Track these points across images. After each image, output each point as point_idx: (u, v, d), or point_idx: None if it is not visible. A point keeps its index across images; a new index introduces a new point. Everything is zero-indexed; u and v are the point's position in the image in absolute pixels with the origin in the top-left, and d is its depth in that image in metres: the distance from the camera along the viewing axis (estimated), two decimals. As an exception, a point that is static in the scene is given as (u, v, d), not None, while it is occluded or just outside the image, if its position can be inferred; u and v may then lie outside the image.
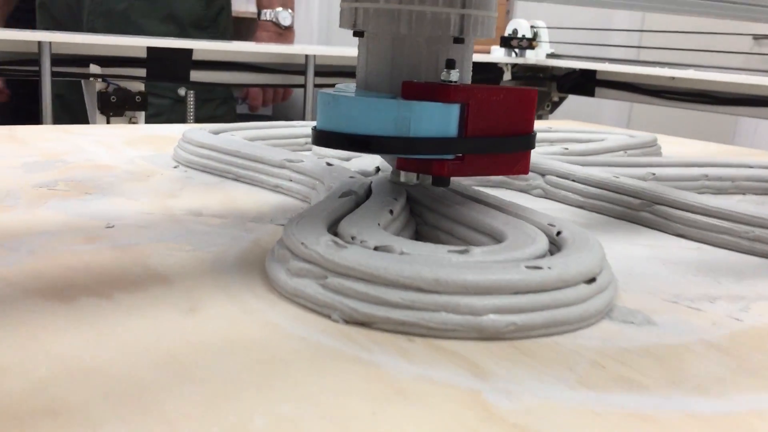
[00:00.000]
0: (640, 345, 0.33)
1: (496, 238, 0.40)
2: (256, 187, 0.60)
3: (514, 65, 1.42)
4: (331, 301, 0.34)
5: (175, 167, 0.66)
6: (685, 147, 1.00)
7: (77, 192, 0.55)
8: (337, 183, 0.50)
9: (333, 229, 0.40)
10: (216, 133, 0.74)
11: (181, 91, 1.30)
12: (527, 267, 0.34)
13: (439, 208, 0.45)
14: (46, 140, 0.77)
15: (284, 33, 1.46)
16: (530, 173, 0.64)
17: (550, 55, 1.45)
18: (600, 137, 0.89)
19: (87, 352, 0.29)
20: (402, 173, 0.46)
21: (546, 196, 0.63)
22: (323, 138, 0.42)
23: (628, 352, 0.32)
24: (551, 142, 0.88)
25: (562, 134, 0.89)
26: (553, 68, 1.44)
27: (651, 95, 1.26)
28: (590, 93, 1.37)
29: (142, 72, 1.13)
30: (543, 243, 0.38)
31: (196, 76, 1.17)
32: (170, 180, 0.61)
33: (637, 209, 0.56)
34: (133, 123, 1.12)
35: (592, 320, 0.35)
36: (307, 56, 1.19)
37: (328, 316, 0.34)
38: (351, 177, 0.52)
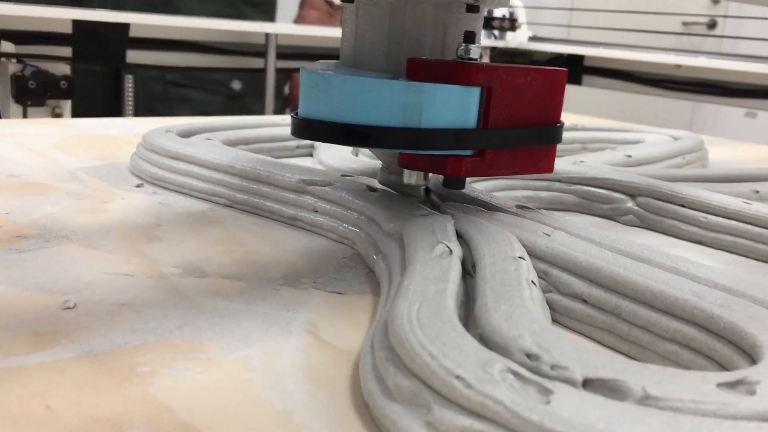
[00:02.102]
0: None
1: (746, 350, 0.25)
2: (263, 218, 0.43)
3: (493, 48, 1.27)
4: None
5: (138, 186, 0.48)
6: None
7: (1, 235, 0.37)
8: (402, 223, 0.34)
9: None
10: (186, 135, 0.56)
11: (236, 85, 1.08)
12: None
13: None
14: (-51, 143, 0.58)
15: (335, 13, 1.23)
16: (616, 194, 0.49)
17: (532, 38, 1.31)
18: (635, 137, 0.75)
19: None
20: (407, 173, 0.36)
21: (641, 224, 0.48)
22: (307, 128, 0.34)
23: None
24: (583, 143, 0.74)
25: (594, 134, 0.75)
26: (534, 53, 1.30)
27: (650, 85, 1.13)
28: (577, 81, 1.24)
29: (67, 51, 0.92)
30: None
31: (133, 56, 0.97)
32: (138, 209, 0.43)
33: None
34: (57, 115, 0.91)
35: None
36: (267, 35, 1.01)
37: None
38: (422, 213, 0.36)
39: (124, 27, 0.95)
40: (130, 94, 0.96)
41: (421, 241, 0.31)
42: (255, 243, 0.39)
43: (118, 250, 0.36)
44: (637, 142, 0.74)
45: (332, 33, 0.97)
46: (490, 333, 0.23)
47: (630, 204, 0.48)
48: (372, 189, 0.41)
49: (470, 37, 0.34)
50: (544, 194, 0.50)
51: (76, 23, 0.92)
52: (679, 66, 1.09)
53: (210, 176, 0.46)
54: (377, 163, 0.52)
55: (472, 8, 0.38)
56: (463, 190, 0.42)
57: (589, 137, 0.74)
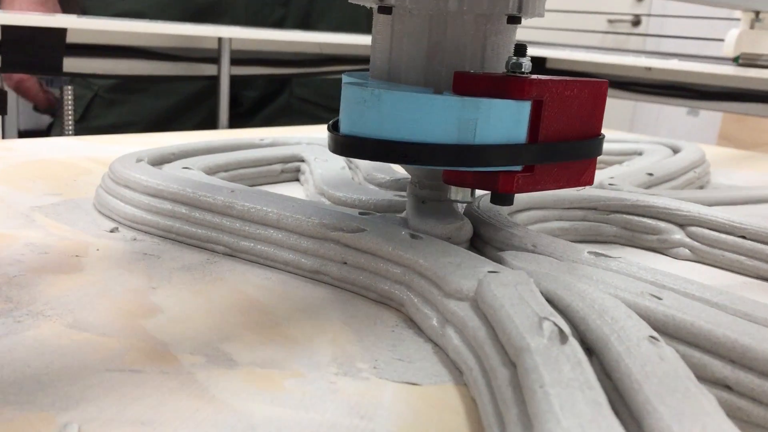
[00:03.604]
0: None
1: None
2: (275, 270, 0.36)
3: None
4: None
5: (113, 231, 0.40)
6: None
7: (-40, 314, 0.29)
8: (471, 283, 0.28)
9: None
10: (157, 163, 0.48)
11: (252, 93, 0.99)
12: None
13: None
14: None
15: (48, 1, 1.07)
16: (664, 224, 0.44)
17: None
18: (634, 147, 0.70)
19: None
20: (453, 190, 0.35)
21: (696, 258, 0.43)
22: (352, 146, 0.33)
23: None
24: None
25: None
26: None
27: (621, 89, 1.09)
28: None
29: (-6, 60, 0.82)
30: None
31: (72, 65, 0.87)
32: (121, 264, 0.35)
33: None
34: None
35: None
36: (220, 40, 0.93)
37: None
38: (491, 270, 0.30)
39: (60, 32, 0.85)
40: (69, 106, 0.85)
41: (516, 314, 0.25)
42: (278, 308, 0.31)
43: (113, 329, 0.28)
44: (636, 153, 0.70)
45: (191, 31, 0.88)
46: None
47: (679, 235, 0.43)
48: (414, 235, 0.34)
49: (521, 50, 0.33)
50: (580, 225, 0.45)
51: (5, 29, 0.82)
52: (649, 69, 1.06)
53: (203, 219, 0.38)
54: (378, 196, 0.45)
55: (514, 19, 0.36)
56: (510, 231, 0.36)
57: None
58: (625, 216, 0.44)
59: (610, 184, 0.50)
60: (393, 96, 0.31)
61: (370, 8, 0.37)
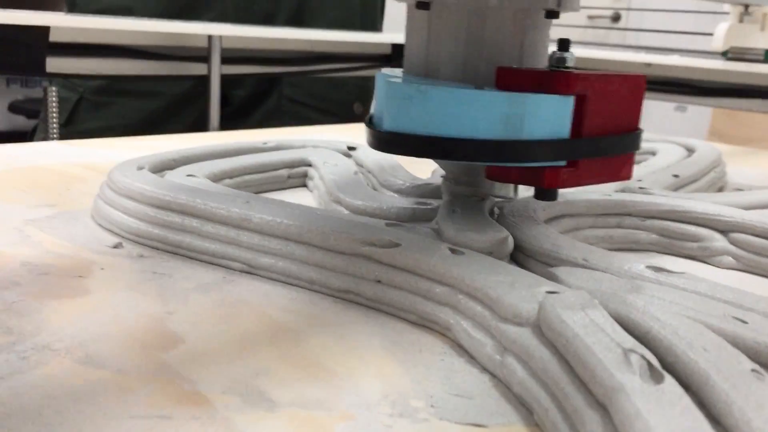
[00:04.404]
0: None
1: None
2: (299, 289, 0.33)
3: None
4: None
5: (116, 246, 0.37)
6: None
7: (-45, 350, 0.25)
8: (530, 306, 0.25)
9: None
10: (157, 170, 0.45)
11: (358, 109, 0.96)
12: None
13: None
14: None
15: None
16: (705, 231, 0.41)
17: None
18: (647, 146, 0.68)
19: None
20: (496, 186, 0.37)
21: (741, 267, 0.40)
22: (395, 143, 0.32)
23: None
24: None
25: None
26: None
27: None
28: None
29: (-26, 60, 0.78)
30: None
31: (55, 65, 0.83)
32: (130, 286, 0.32)
33: None
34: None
35: None
36: (210, 37, 0.89)
37: None
38: (550, 290, 0.27)
39: (43, 30, 0.81)
40: (54, 109, 0.81)
41: (595, 345, 0.22)
42: (310, 334, 0.28)
43: (131, 365, 0.25)
44: (650, 153, 0.67)
45: (178, 29, 0.85)
46: None
47: (722, 242, 0.40)
48: (453, 249, 0.31)
49: (564, 45, 0.33)
50: (615, 233, 0.42)
51: (-16, 27, 0.78)
52: (648, 65, 1.03)
53: (217, 233, 0.35)
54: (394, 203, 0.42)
55: (552, 14, 0.35)
56: (555, 242, 0.33)
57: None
58: (662, 222, 0.42)
59: (639, 188, 0.47)
60: (439, 92, 0.31)
61: (405, 4, 0.35)
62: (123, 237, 0.38)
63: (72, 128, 0.90)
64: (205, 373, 0.25)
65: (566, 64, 0.33)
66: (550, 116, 0.32)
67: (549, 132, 0.32)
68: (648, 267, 0.30)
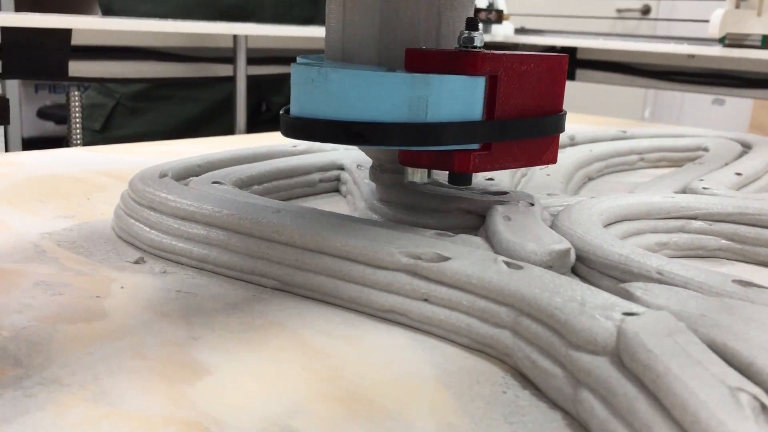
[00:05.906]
0: None
1: None
2: (337, 308, 0.30)
3: (478, 43, 1.15)
4: None
5: (137, 261, 0.34)
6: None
7: (-46, 387, 0.22)
8: (607, 333, 0.22)
9: None
10: (181, 177, 0.42)
11: None
12: None
13: None
14: None
15: None
16: (781, 234, 0.37)
17: (519, 30, 1.20)
18: (698, 142, 0.64)
19: None
20: (410, 171, 0.34)
21: (823, 275, 0.36)
22: (302, 128, 0.31)
23: None
24: (640, 153, 0.62)
25: (651, 142, 0.64)
26: (521, 46, 1.18)
27: (656, 78, 1.03)
28: (570, 76, 1.13)
29: (-5, 65, 0.76)
30: None
31: (77, 68, 0.81)
32: (152, 308, 0.29)
33: None
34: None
35: None
36: (235, 37, 0.86)
37: None
38: (627, 311, 0.23)
39: (65, 33, 0.79)
40: (77, 115, 0.79)
41: (693, 382, 0.18)
42: (351, 362, 0.25)
43: (153, 404, 0.22)
44: (701, 149, 0.63)
45: (203, 29, 0.82)
46: None
47: (800, 247, 0.37)
48: (510, 263, 0.27)
49: (473, 25, 0.32)
50: (679, 238, 0.38)
51: (6, 31, 0.76)
52: (692, 56, 0.99)
53: (246, 246, 0.32)
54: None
55: None
56: (623, 254, 0.30)
57: (647, 146, 0.63)
58: (732, 225, 0.38)
59: (703, 188, 0.43)
60: (340, 74, 0.30)
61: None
62: (145, 251, 0.35)
63: (108, 134, 0.88)
64: (234, 412, 0.22)
65: (474, 44, 0.31)
66: (458, 98, 0.31)
67: (459, 114, 0.31)
68: (735, 281, 0.27)
